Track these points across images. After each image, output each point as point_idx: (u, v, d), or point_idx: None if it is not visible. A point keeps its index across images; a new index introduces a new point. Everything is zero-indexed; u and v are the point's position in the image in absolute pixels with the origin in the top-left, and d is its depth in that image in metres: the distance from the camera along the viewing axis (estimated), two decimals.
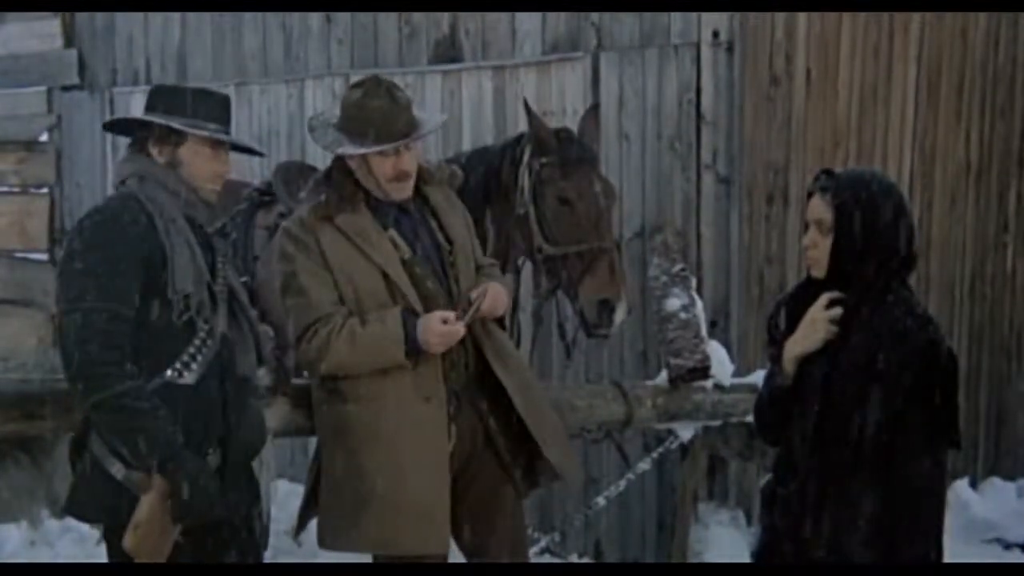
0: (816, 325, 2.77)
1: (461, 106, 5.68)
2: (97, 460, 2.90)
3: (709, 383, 4.50)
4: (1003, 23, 6.15)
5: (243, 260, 4.50)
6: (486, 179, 4.26)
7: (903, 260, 2.77)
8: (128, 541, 2.83)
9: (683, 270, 4.69)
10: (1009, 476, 6.29)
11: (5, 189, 7.70)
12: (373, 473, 3.27)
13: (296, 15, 6.26)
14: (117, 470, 2.87)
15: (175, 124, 3.00)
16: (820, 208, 2.79)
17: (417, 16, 5.81)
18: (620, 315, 4.11)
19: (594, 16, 5.28)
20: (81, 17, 7.29)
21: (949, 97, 5.93)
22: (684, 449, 4.67)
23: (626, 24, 5.22)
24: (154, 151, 3.03)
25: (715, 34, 4.99)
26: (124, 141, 3.16)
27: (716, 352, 4.55)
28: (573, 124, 4.47)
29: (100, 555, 3.10)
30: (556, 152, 4.14)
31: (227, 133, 3.08)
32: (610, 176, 4.48)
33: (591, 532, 5.41)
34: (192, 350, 2.93)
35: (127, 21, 7.04)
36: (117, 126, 3.26)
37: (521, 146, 4.25)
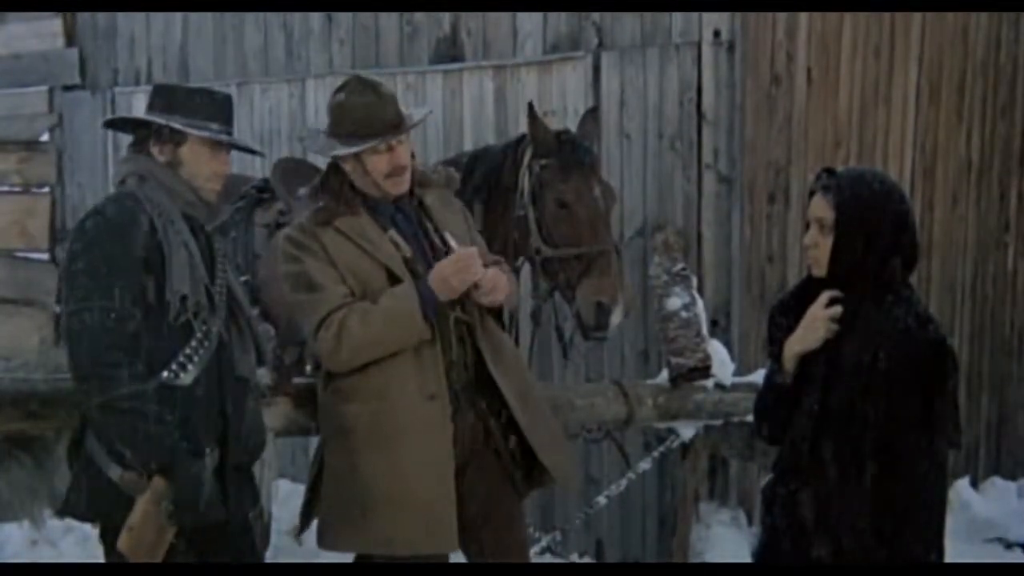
0: (816, 324, 2.77)
1: (462, 105, 5.69)
2: (92, 460, 2.91)
3: (710, 382, 4.50)
4: (1004, 23, 6.15)
5: (244, 258, 4.50)
6: (487, 180, 4.26)
7: (904, 259, 2.77)
8: (123, 542, 2.84)
9: (684, 269, 4.69)
10: (1010, 476, 6.30)
11: (6, 188, 7.71)
12: (377, 473, 3.27)
13: (298, 15, 6.26)
14: (112, 471, 2.87)
15: (176, 124, 3.00)
16: (821, 207, 2.79)
17: (418, 16, 5.81)
18: (617, 318, 4.12)
19: (595, 15, 5.28)
20: (83, 16, 7.30)
21: (950, 96, 5.93)
22: (685, 448, 4.67)
23: (627, 23, 5.23)
24: (155, 150, 3.03)
25: (716, 33, 4.99)
26: (125, 141, 3.16)
27: (717, 351, 4.55)
28: (574, 123, 4.48)
29: (102, 556, 3.09)
30: (556, 154, 4.15)
31: (229, 134, 3.09)
32: (611, 175, 4.49)
33: (592, 531, 5.41)
34: (188, 351, 2.93)
35: (129, 21, 7.05)
36: (118, 124, 3.26)
37: (522, 147, 4.25)
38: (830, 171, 2.84)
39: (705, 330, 4.55)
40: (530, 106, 4.24)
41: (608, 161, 4.89)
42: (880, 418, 2.67)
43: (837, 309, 2.76)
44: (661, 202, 5.14)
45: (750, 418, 3.42)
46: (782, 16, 5.12)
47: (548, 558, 4.81)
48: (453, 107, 5.70)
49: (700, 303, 4.61)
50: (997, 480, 6.22)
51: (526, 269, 4.45)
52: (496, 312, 3.48)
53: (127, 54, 7.08)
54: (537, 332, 4.64)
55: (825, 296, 2.78)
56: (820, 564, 2.74)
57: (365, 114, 3.28)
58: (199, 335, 2.95)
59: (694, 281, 4.70)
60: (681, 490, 4.79)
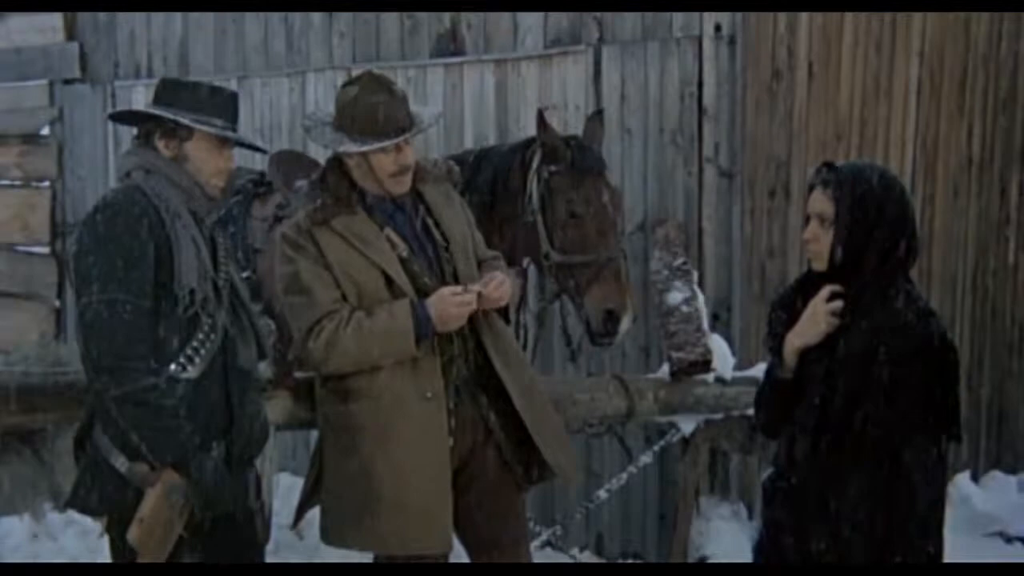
0: (817, 318, 2.78)
1: (463, 100, 5.68)
2: (101, 453, 2.91)
3: (711, 376, 4.51)
4: (1005, 17, 6.15)
5: (243, 253, 4.50)
6: (494, 181, 4.27)
7: (904, 253, 2.77)
8: (132, 535, 2.83)
9: (685, 264, 4.69)
10: (1010, 470, 6.30)
11: (7, 182, 7.70)
12: (374, 472, 3.26)
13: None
14: (121, 464, 2.87)
15: (184, 119, 2.99)
16: (821, 201, 2.79)
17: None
18: (626, 324, 4.15)
19: None
20: None
21: (951, 91, 5.93)
22: (686, 442, 4.67)
23: (628, 18, 5.22)
24: (160, 145, 3.02)
25: (717, 27, 4.99)
26: (126, 135, 3.16)
27: (718, 345, 4.56)
28: (575, 118, 4.48)
29: (103, 549, 3.09)
30: (566, 161, 4.16)
31: (234, 130, 3.08)
32: (612, 170, 4.48)
33: (592, 525, 5.42)
34: (196, 344, 2.93)
35: (129, 15, 7.03)
36: (124, 117, 3.25)
37: (531, 151, 4.26)
38: (830, 165, 2.84)
39: (706, 324, 4.55)
40: (539, 112, 4.25)
41: (609, 156, 4.88)
42: (880, 412, 2.67)
43: (838, 303, 2.76)
44: (662, 196, 5.14)
45: (751, 412, 3.44)
46: None
47: (549, 551, 4.81)
48: (454, 101, 5.69)
49: (701, 297, 4.62)
50: (998, 474, 6.22)
51: (532, 270, 4.46)
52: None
53: (127, 48, 7.07)
54: (540, 332, 4.65)
55: (826, 290, 2.78)
56: (820, 564, 2.74)
57: (378, 113, 3.26)
58: (206, 328, 2.95)
59: (695, 275, 4.71)
60: (682, 484, 4.79)
